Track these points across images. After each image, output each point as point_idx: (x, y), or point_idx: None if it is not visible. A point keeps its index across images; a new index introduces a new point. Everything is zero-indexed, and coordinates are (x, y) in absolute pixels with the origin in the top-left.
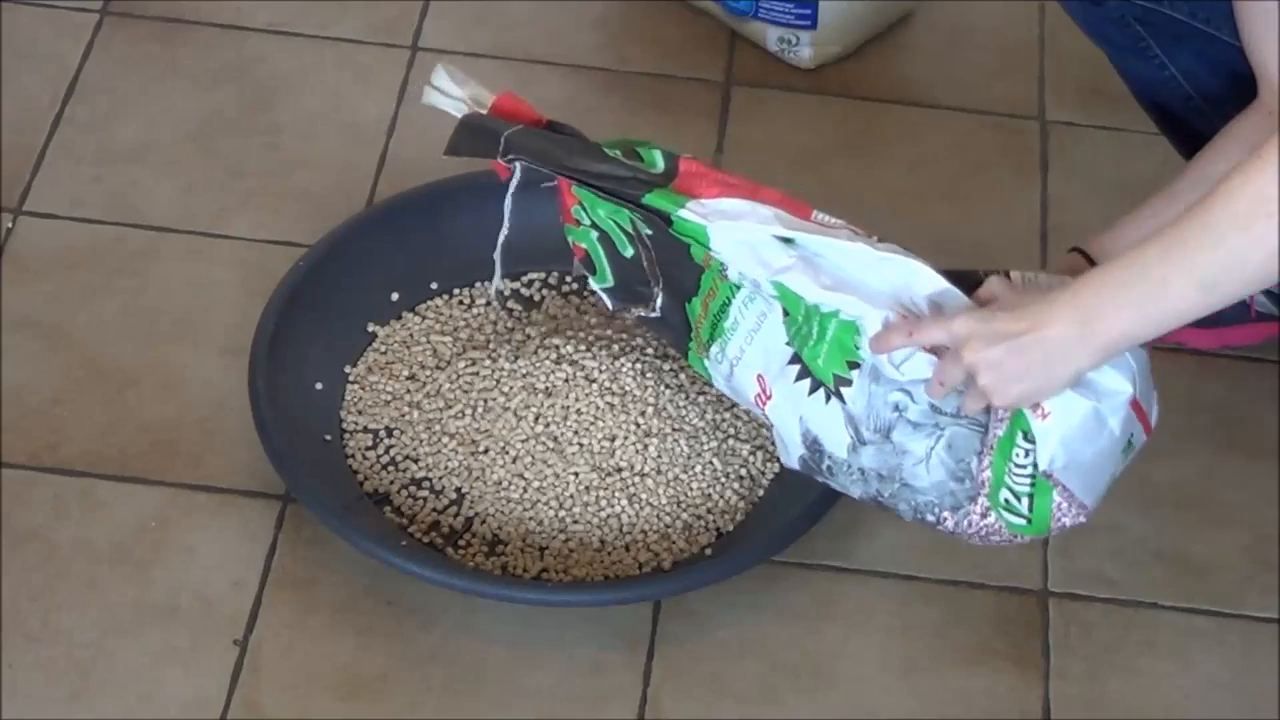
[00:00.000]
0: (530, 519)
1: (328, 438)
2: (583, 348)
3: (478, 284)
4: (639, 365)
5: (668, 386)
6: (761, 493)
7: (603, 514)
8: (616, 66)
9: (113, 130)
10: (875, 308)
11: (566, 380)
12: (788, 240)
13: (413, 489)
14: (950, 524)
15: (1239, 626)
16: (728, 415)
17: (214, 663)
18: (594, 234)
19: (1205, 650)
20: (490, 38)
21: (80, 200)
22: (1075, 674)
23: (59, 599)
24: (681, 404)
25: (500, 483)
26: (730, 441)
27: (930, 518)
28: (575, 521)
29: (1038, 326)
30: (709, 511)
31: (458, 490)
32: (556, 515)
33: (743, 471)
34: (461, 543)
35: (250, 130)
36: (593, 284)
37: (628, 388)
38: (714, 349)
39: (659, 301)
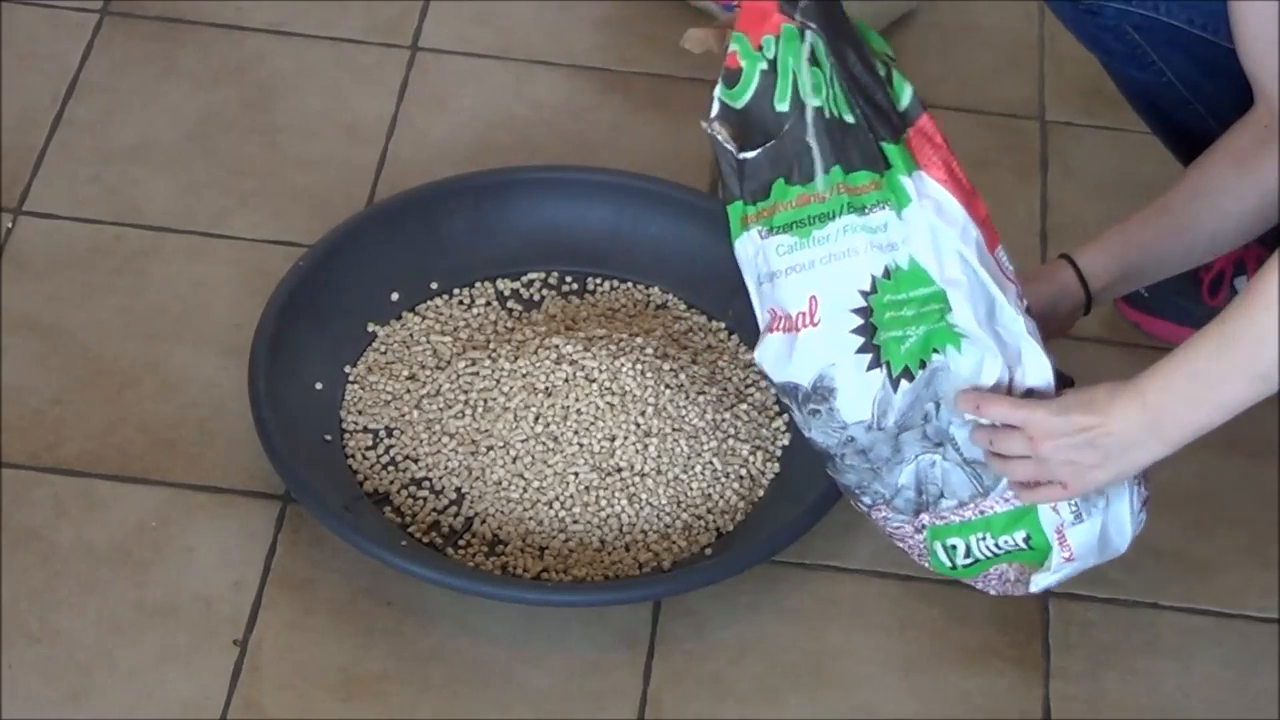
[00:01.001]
0: (530, 519)
1: (328, 438)
2: (582, 348)
3: (478, 284)
4: (639, 365)
5: (668, 386)
6: (761, 493)
7: (603, 514)
8: (616, 66)
9: (113, 130)
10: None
11: (566, 380)
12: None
13: (413, 489)
14: (878, 515)
15: (1239, 626)
16: (728, 415)
17: (214, 663)
18: (763, 65)
19: (1205, 650)
20: (490, 38)
21: (80, 200)
22: (1075, 674)
23: (59, 599)
24: (681, 404)
25: (500, 483)
26: (730, 441)
27: (866, 500)
28: (575, 521)
29: (1106, 422)
30: (709, 511)
31: (458, 490)
32: (556, 515)
33: (743, 471)
34: (461, 543)
35: (250, 130)
36: (718, 91)
37: (628, 388)
38: (780, 239)
39: (756, 155)
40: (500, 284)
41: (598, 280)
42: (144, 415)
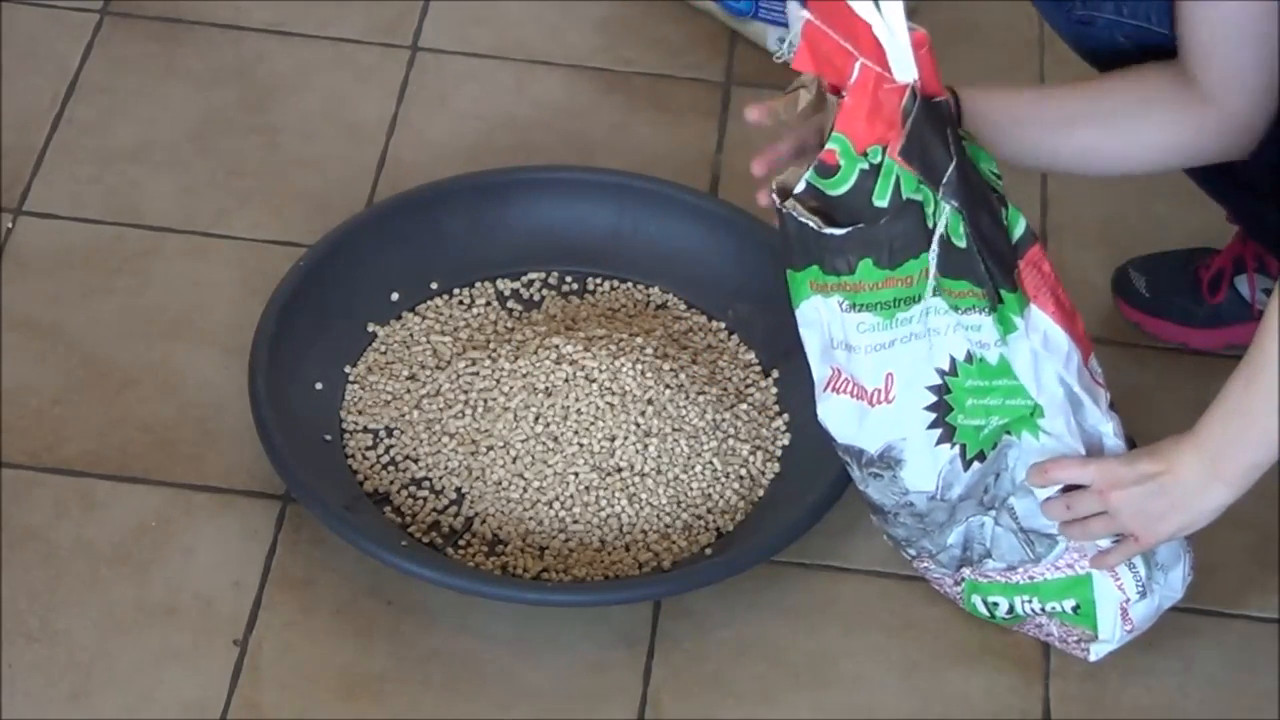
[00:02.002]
0: (530, 519)
1: (328, 438)
2: (582, 348)
3: (478, 284)
4: (639, 365)
5: (667, 386)
6: (761, 493)
7: (603, 514)
8: (616, 66)
9: (113, 130)
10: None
11: (566, 380)
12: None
13: (413, 489)
14: (920, 565)
15: (1239, 626)
16: (728, 415)
17: (214, 663)
18: (864, 166)
19: (1205, 650)
20: (490, 38)
21: (80, 200)
22: (1075, 674)
23: (59, 599)
24: (681, 404)
25: (500, 483)
26: (730, 441)
27: (911, 551)
28: (575, 521)
29: (1171, 468)
30: (709, 511)
31: (458, 490)
32: (556, 515)
33: (743, 471)
34: (461, 543)
35: (250, 130)
36: (808, 175)
37: (628, 388)
38: (863, 317)
39: (843, 234)
40: (500, 284)
41: (598, 280)
42: (144, 415)
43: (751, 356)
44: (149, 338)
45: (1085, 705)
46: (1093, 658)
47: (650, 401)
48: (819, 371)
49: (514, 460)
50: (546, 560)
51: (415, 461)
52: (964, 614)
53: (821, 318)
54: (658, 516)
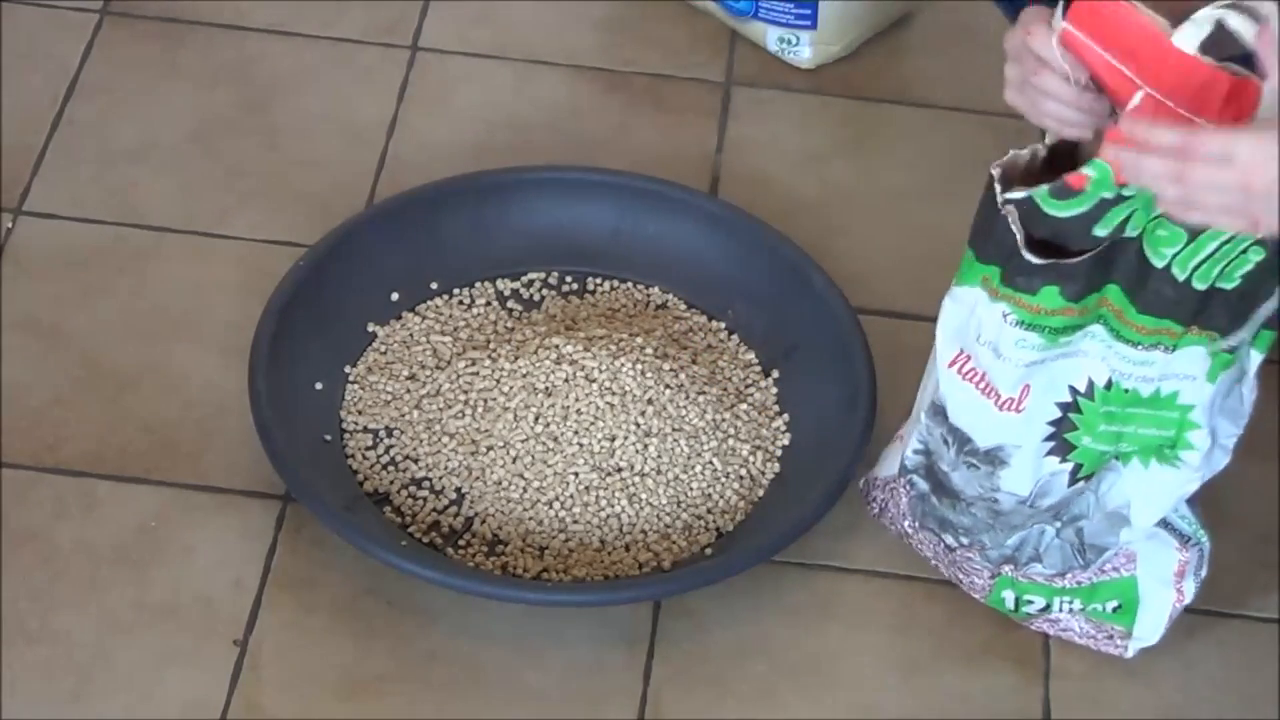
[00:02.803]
0: (530, 519)
1: (328, 438)
2: (582, 348)
3: (478, 284)
4: (639, 365)
5: (667, 386)
6: (761, 493)
7: (603, 514)
8: (616, 66)
9: (113, 130)
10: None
11: (566, 380)
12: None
13: (413, 489)
14: (962, 552)
15: (1239, 626)
16: (728, 415)
17: (214, 663)
18: (1108, 195)
19: (1205, 650)
20: (490, 38)
21: (80, 200)
22: (1075, 674)
23: (59, 599)
24: (681, 404)
25: (500, 483)
26: (730, 441)
27: (964, 539)
28: (575, 521)
29: (1239, 151)
30: (709, 511)
31: (458, 490)
32: (556, 515)
33: (743, 471)
34: (461, 543)
35: (250, 130)
36: (1036, 193)
37: (627, 388)
38: (1026, 334)
39: (1042, 264)
40: (500, 284)
41: (598, 280)
42: (144, 415)
43: (751, 356)
44: (149, 338)
45: (1085, 705)
46: (1129, 654)
47: (650, 401)
48: (946, 347)
49: (514, 460)
50: (546, 560)
51: (415, 461)
52: (964, 613)
53: (976, 311)
54: (658, 516)
